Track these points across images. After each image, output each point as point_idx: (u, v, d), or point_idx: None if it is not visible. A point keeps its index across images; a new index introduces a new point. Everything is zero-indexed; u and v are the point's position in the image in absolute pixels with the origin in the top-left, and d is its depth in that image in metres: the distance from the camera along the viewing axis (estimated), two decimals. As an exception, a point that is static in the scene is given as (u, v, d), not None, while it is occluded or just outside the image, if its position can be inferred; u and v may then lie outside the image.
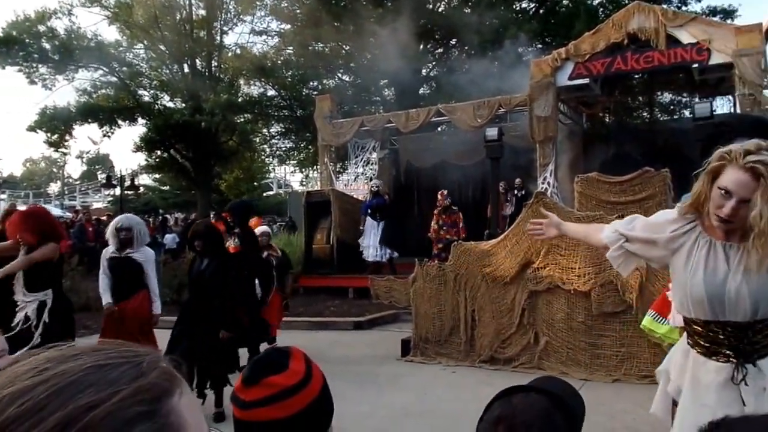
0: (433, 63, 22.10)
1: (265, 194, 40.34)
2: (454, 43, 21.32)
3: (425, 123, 13.41)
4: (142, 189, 32.67)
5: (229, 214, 6.77)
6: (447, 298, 6.60)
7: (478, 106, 12.61)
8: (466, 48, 19.95)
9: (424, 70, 21.83)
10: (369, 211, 12.23)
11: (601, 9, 19.25)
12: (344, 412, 4.86)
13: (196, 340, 4.77)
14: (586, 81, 11.41)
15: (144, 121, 23.99)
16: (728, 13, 18.83)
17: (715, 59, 10.19)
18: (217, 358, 4.81)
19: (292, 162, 28.72)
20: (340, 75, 23.27)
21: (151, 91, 24.48)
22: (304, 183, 31.61)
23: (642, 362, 5.48)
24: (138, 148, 25.13)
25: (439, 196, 11.25)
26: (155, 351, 0.59)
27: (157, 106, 24.03)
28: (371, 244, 12.13)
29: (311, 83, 22.75)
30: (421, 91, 21.40)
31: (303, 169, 28.82)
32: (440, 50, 22.03)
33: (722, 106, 13.92)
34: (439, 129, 17.43)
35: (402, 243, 12.41)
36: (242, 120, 24.05)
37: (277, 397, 1.08)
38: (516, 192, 12.02)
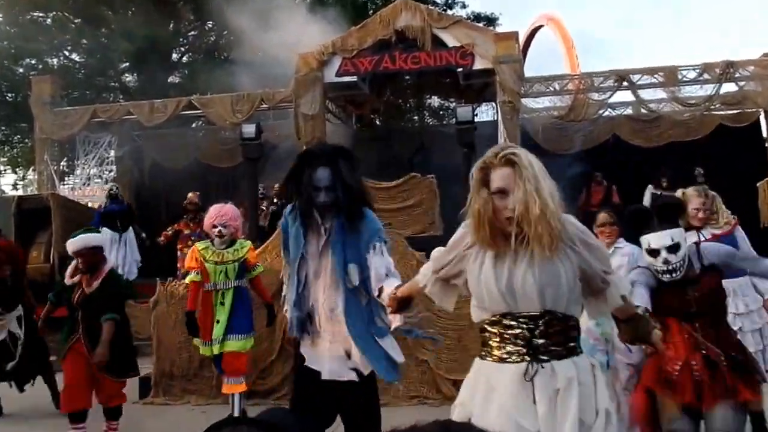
0: (186, 47, 21.24)
1: (-37, 200, 35.17)
2: (210, 26, 20.70)
3: (174, 116, 12.81)
4: None
5: None
6: (196, 323, 6.24)
7: (236, 100, 12.40)
8: (225, 33, 19.50)
9: (175, 55, 20.83)
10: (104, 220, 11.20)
11: (370, 3, 20.30)
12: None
13: None
14: (354, 79, 11.87)
15: None
16: (491, 21, 21.17)
17: (479, 64, 11.34)
18: None
19: (1, 159, 25.28)
20: (67, 53, 21.11)
21: None
22: (18, 186, 27.95)
23: (410, 382, 5.75)
24: None
25: (190, 195, 10.61)
26: None
27: None
28: (111, 260, 11.12)
29: (27, 60, 20.26)
30: (171, 79, 20.37)
31: (17, 169, 25.46)
32: (194, 33, 21.25)
33: (486, 112, 15.54)
34: (194, 125, 16.79)
35: (143, 259, 11.51)
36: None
37: None
38: (273, 200, 11.70)
